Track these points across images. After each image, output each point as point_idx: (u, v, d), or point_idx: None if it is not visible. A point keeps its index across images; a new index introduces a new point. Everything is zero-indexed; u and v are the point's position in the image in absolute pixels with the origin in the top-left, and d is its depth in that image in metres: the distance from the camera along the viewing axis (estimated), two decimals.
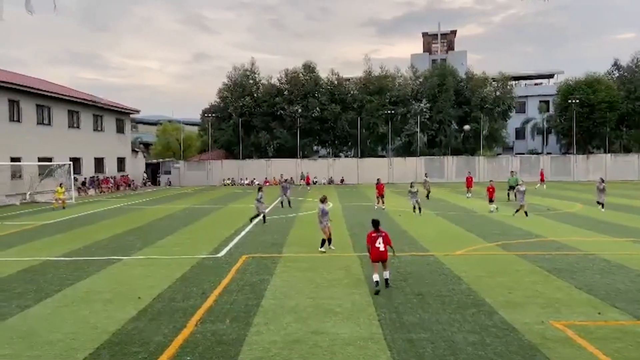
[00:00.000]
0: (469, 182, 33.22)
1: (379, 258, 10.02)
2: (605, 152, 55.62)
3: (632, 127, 56.67)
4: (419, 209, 23.12)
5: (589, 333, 7.47)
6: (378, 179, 27.18)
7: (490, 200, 24.26)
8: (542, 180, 41.95)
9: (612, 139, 56.16)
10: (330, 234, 14.44)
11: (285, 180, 35.32)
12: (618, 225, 18.86)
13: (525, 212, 21.39)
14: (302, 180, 50.45)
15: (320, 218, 14.37)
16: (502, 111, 57.59)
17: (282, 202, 27.63)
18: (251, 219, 20.36)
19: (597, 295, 9.49)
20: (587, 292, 9.68)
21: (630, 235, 16.46)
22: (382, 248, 9.99)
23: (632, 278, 10.78)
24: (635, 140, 58.07)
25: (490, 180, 27.65)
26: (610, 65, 59.95)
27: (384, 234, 10.20)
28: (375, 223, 10.44)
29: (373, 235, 10.15)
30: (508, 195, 29.62)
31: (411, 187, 23.91)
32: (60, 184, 29.98)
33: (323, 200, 14.77)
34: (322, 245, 14.32)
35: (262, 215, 20.44)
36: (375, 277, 9.87)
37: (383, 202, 25.95)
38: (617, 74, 58.60)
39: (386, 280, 10.18)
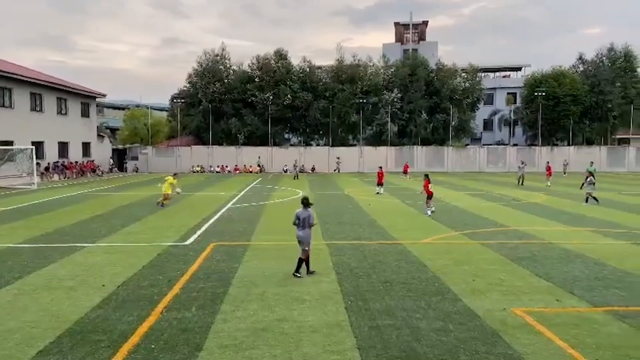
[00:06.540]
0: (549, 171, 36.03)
1: None
2: (569, 144, 57.19)
3: (594, 120, 58.36)
4: (594, 198, 23.25)
5: (547, 319, 7.72)
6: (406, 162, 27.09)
7: (379, 185, 27.45)
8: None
9: (575, 131, 57.72)
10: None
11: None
12: (579, 216, 19.48)
13: (587, 199, 23.38)
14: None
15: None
16: (470, 102, 58.43)
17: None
18: None
19: (556, 283, 9.81)
20: (547, 280, 10.00)
21: (589, 225, 17.01)
22: None
23: (589, 266, 11.17)
24: (597, 133, 59.98)
25: (380, 167, 29.07)
26: (575, 59, 61.58)
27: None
28: None
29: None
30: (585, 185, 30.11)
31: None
32: (174, 174, 23.78)
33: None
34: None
35: None
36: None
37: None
38: (582, 68, 60.10)
39: None
